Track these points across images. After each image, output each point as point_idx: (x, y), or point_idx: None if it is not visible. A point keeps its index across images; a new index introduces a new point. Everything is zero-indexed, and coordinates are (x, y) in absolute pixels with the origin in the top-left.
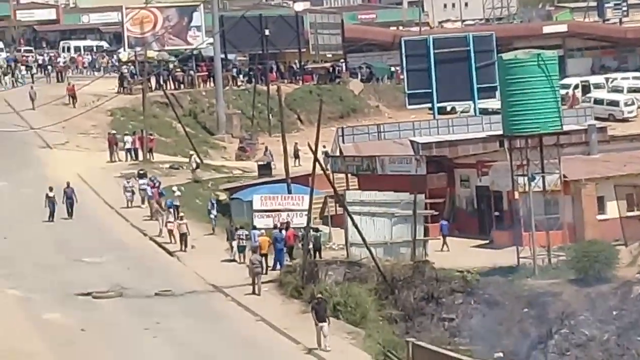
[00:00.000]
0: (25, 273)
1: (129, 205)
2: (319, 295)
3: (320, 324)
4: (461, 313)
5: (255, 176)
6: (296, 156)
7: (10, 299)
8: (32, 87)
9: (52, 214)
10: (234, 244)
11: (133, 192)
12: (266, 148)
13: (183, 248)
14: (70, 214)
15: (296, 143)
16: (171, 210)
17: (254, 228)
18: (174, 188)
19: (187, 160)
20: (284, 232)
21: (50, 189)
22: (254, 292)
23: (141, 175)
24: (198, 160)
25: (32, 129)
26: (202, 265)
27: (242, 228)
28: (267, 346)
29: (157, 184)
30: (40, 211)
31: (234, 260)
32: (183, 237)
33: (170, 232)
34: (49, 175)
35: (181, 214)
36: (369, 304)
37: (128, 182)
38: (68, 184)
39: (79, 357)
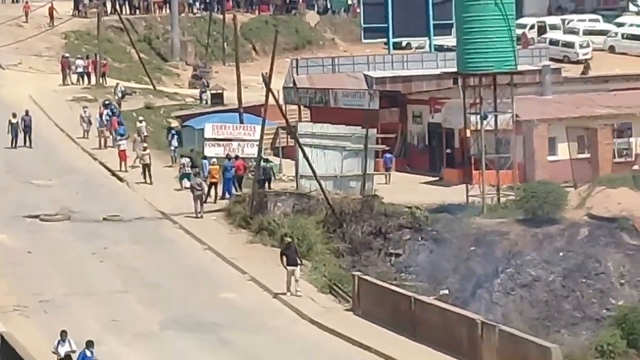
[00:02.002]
0: None
1: (85, 135)
2: (288, 239)
3: (291, 268)
4: (408, 249)
5: (207, 105)
6: None
7: None
8: None
9: (14, 140)
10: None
11: (90, 122)
12: None
13: (147, 180)
14: (28, 142)
15: None
16: (124, 137)
17: (204, 158)
18: (140, 118)
19: (140, 85)
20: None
21: (14, 115)
22: (195, 215)
23: (106, 105)
24: (123, 89)
25: None
26: (152, 192)
27: (184, 157)
28: (213, 275)
29: (116, 113)
30: None
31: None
32: (146, 167)
33: (122, 158)
34: (1, 95)
35: (144, 145)
36: (316, 237)
37: (85, 112)
38: (27, 112)
39: (25, 279)
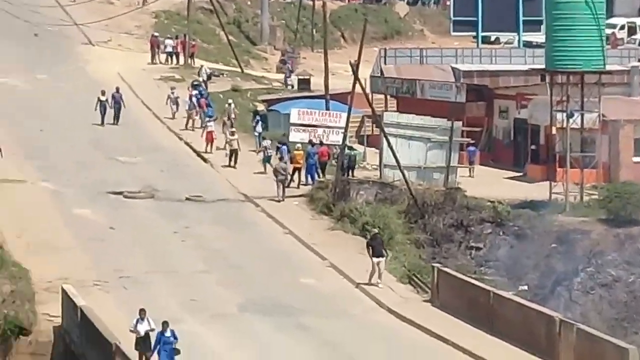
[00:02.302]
0: (59, 167)
1: (174, 116)
2: (375, 231)
3: (377, 260)
4: (489, 243)
5: (295, 90)
6: None
7: (42, 192)
8: None
9: (102, 118)
10: (260, 155)
11: (177, 103)
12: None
13: (232, 164)
14: (116, 118)
15: None
16: (212, 118)
17: (283, 144)
18: (230, 101)
19: (228, 68)
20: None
21: (102, 93)
22: (277, 199)
23: (195, 86)
24: (209, 71)
25: (75, 25)
26: (235, 174)
27: (265, 139)
28: (294, 259)
29: (204, 94)
30: (78, 106)
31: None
32: (234, 152)
33: (208, 139)
34: (89, 71)
35: (233, 129)
36: (397, 226)
37: (173, 93)
38: (117, 89)
39: (107, 254)
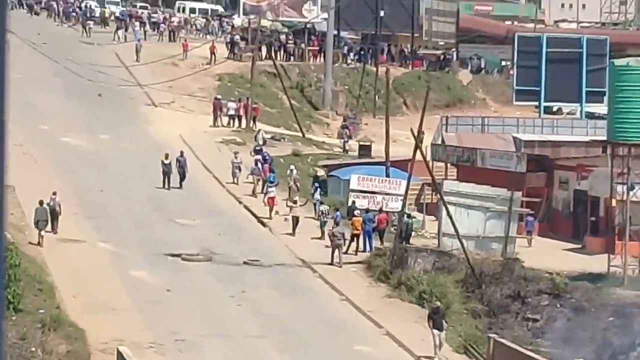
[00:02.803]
0: (118, 227)
1: (235, 181)
2: (437, 303)
3: (437, 332)
4: (546, 315)
5: (355, 155)
6: None
7: (101, 252)
8: (139, 40)
9: (167, 182)
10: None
11: (240, 169)
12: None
13: (293, 232)
14: (181, 182)
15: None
16: (273, 184)
17: (337, 210)
18: (292, 167)
19: (289, 132)
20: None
21: (166, 156)
22: (332, 263)
23: (257, 151)
24: (266, 136)
25: (139, 85)
26: (294, 239)
27: (323, 204)
28: (350, 326)
29: (268, 160)
30: (140, 167)
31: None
32: (295, 220)
33: (269, 205)
34: (151, 132)
35: (295, 198)
36: (454, 296)
37: (236, 158)
38: (182, 153)
39: (163, 317)
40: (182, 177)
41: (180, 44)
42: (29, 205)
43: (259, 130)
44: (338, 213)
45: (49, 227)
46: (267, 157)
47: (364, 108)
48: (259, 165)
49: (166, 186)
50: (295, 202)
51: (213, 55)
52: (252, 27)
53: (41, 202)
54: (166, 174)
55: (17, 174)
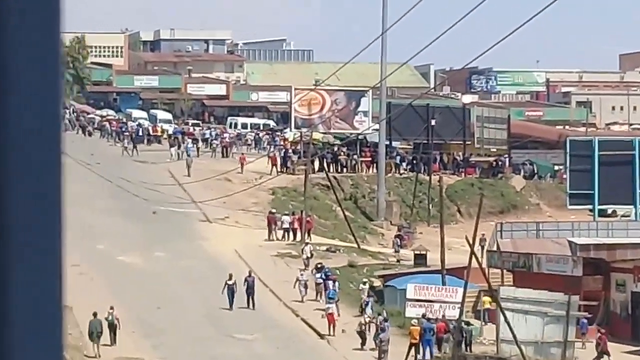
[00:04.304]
0: (176, 345)
1: (302, 299)
2: None
3: None
4: None
5: (411, 265)
6: None
7: None
8: (189, 155)
9: (231, 302)
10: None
11: (306, 286)
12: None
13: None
14: (251, 304)
15: None
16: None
17: (386, 320)
18: (364, 280)
19: (344, 243)
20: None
21: (230, 277)
22: None
23: (319, 269)
24: (312, 249)
25: (193, 202)
26: (351, 350)
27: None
28: None
29: (330, 276)
30: (196, 283)
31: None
32: (362, 336)
33: (330, 320)
34: (207, 248)
35: (366, 315)
36: None
37: (302, 275)
38: (250, 273)
39: None
40: (251, 297)
41: (233, 159)
42: (86, 324)
43: (306, 243)
44: (387, 324)
45: (106, 340)
46: (328, 273)
47: (418, 217)
48: (320, 280)
49: (231, 307)
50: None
51: (275, 167)
52: (304, 140)
53: (95, 315)
54: (232, 294)
55: (74, 294)
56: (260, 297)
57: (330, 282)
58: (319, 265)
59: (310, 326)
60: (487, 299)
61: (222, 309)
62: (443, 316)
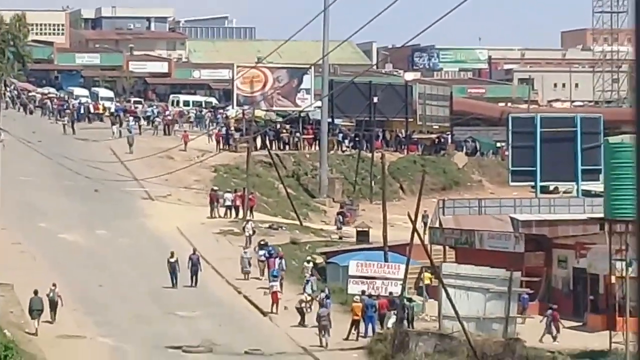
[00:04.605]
0: (118, 322)
1: (247, 277)
2: None
3: None
4: None
5: (353, 242)
6: None
7: (101, 347)
8: (130, 132)
9: (174, 280)
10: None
11: (250, 264)
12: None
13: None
14: (194, 282)
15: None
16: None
17: (327, 297)
18: (308, 258)
19: (287, 221)
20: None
21: (172, 254)
22: (320, 345)
23: (262, 246)
24: (254, 226)
25: (135, 180)
26: (293, 327)
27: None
28: None
29: (273, 254)
30: (138, 261)
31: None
32: (302, 314)
33: (273, 299)
34: (149, 226)
35: (307, 294)
36: None
37: (245, 253)
38: (194, 250)
39: None
40: (195, 275)
41: (175, 137)
42: (27, 302)
43: (248, 220)
44: (328, 300)
45: (47, 317)
46: (272, 252)
47: (360, 194)
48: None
49: (174, 284)
50: (308, 297)
51: (217, 145)
52: (247, 117)
53: (36, 292)
54: (173, 272)
55: (15, 271)
56: (203, 275)
57: (277, 260)
58: (262, 243)
59: (252, 303)
60: (429, 275)
61: (165, 287)
62: (387, 293)
